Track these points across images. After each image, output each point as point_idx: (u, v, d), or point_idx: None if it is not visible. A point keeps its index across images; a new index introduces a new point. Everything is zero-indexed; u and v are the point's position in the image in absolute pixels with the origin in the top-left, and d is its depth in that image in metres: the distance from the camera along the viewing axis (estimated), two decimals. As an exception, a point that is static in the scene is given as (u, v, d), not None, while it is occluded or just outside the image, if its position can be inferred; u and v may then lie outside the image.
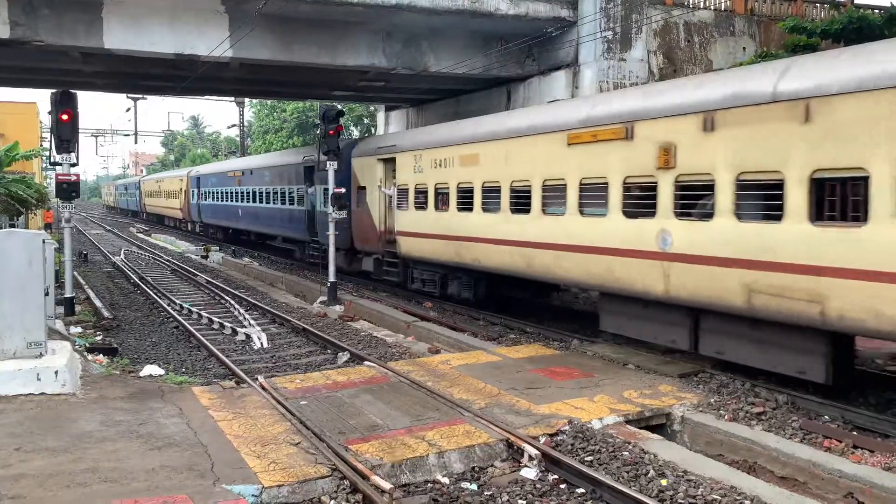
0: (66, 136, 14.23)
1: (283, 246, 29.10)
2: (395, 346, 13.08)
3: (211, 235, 38.57)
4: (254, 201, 29.15)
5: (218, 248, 33.57)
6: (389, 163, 17.78)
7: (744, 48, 21.86)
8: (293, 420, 7.94)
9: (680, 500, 6.22)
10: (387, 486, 6.38)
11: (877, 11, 20.38)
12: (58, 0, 17.31)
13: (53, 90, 14.67)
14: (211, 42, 18.26)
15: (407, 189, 16.65)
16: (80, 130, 14.78)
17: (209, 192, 37.16)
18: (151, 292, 20.18)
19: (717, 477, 6.58)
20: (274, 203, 26.73)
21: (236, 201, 31.80)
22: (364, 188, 18.92)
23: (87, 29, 17.74)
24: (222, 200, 34.38)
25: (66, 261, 14.94)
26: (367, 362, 11.08)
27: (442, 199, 15.48)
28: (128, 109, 51.69)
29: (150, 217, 60.98)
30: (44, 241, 9.47)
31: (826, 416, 8.42)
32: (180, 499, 5.91)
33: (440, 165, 15.45)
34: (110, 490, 6.12)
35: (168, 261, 29.11)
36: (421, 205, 16.07)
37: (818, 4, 23.08)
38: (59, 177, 14.75)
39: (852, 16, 18.11)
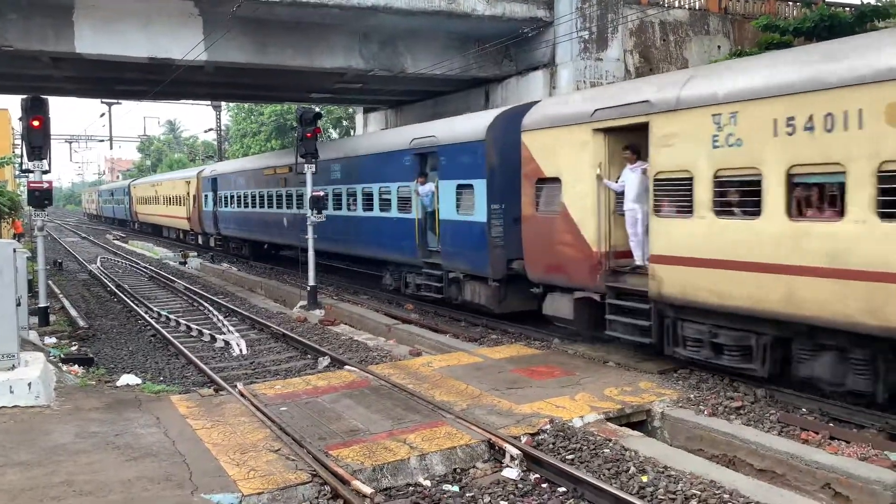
0: (37, 142, 13.99)
1: (356, 269, 22.40)
2: (376, 350, 13.03)
3: (233, 251, 31.06)
4: (298, 208, 21.16)
5: (196, 253, 33.23)
6: (623, 134, 10.51)
7: (718, 46, 22.09)
8: (273, 426, 7.87)
9: (661, 496, 6.24)
10: (368, 490, 6.34)
11: (847, 9, 20.68)
12: (27, 4, 17.05)
13: (24, 96, 14.44)
14: (185, 45, 18.08)
15: (687, 179, 9.16)
16: (52, 137, 14.52)
17: (232, 197, 29.04)
18: (129, 300, 19.93)
19: (697, 472, 6.62)
20: (352, 209, 18.89)
21: (280, 207, 23.69)
22: (554, 180, 11.45)
23: (57, 33, 17.49)
24: (255, 206, 26.26)
25: (39, 270, 14.70)
26: (347, 367, 11.02)
27: (811, 197, 8.01)
28: (102, 115, 50.02)
29: (143, 227, 52.78)
30: (14, 251, 9.31)
31: (803, 409, 8.50)
32: (158, 509, 5.83)
33: (819, 127, 7.60)
34: (88, 502, 6.02)
35: (145, 267, 28.79)
36: (725, 208, 8.78)
37: (790, 3, 23.37)
38: (32, 184, 14.51)
39: (823, 14, 18.37)
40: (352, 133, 48.06)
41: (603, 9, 20.22)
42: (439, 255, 14.98)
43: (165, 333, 15.00)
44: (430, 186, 15.24)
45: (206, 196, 32.73)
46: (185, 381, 11.67)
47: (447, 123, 15.96)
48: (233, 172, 30.07)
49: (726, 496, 6.12)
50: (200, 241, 35.44)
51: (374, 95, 27.33)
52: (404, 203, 16.13)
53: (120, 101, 44.13)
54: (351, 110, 45.56)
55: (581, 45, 19.96)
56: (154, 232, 49.28)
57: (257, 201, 26.05)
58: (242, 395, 9.25)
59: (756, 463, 7.22)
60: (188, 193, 36.09)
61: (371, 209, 17.66)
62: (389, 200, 16.75)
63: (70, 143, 70.33)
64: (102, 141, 62.34)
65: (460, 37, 20.85)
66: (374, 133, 28.23)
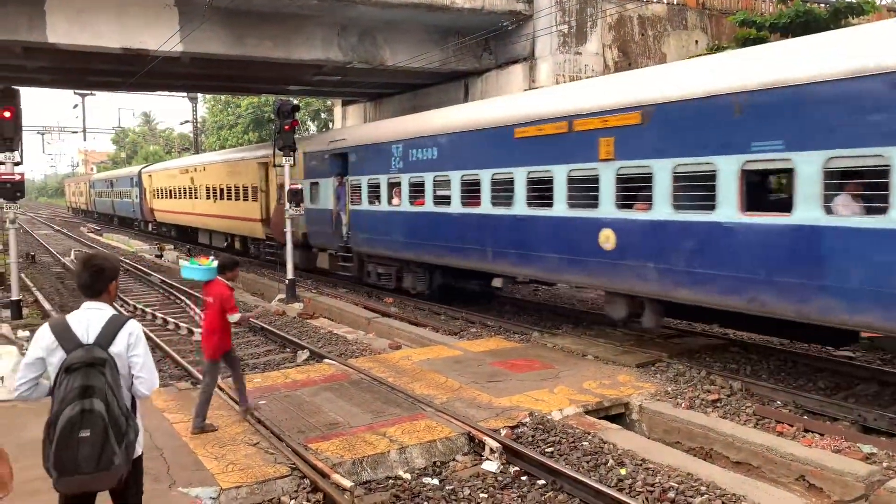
0: (8, 133, 13.75)
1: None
2: (356, 343, 12.99)
3: (378, 281, 17.38)
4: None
5: (172, 246, 32.84)
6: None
7: (696, 41, 22.27)
8: (251, 420, 7.81)
9: (639, 489, 6.29)
10: (347, 483, 6.32)
11: (822, 6, 20.93)
12: (-2, -8, 16.70)
13: (-6, 86, 14.17)
14: (160, 36, 17.82)
15: None
16: (24, 128, 14.29)
17: (395, 186, 15.79)
18: (104, 293, 19.63)
19: (674, 464, 6.69)
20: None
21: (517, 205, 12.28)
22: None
23: (29, 23, 17.14)
24: (473, 202, 13.41)
25: (11, 262, 14.46)
26: (327, 360, 10.97)
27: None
28: (75, 106, 49.27)
29: (161, 230, 39.89)
30: (-14, 243, 9.13)
31: (778, 402, 8.63)
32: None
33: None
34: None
35: (121, 261, 28.41)
36: None
37: (767, -1, 23.62)
38: (3, 176, 14.24)
39: (799, 10, 18.57)
40: (330, 126, 47.80)
41: (582, 3, 20.27)
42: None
43: (141, 327, 14.80)
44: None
45: (318, 185, 18.98)
46: (162, 374, 11.52)
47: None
48: (409, 139, 15.24)
49: (703, 488, 6.19)
50: (301, 264, 20.27)
51: (353, 88, 27.16)
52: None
53: (94, 92, 43.46)
54: (329, 103, 45.28)
55: (560, 38, 20.01)
56: (178, 235, 36.69)
57: (470, 194, 13.40)
58: (220, 388, 9.16)
59: (732, 455, 7.31)
60: (265, 181, 23.31)
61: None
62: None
63: (42, 134, 69.22)
64: (76, 132, 61.40)
65: (440, 30, 20.79)
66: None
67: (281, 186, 20.00)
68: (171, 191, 35.24)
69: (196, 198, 30.92)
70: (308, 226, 19.46)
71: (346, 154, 17.72)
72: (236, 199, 25.83)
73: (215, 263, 7.90)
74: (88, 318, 3.85)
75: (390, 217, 15.88)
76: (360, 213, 17.19)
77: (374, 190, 16.40)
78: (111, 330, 3.80)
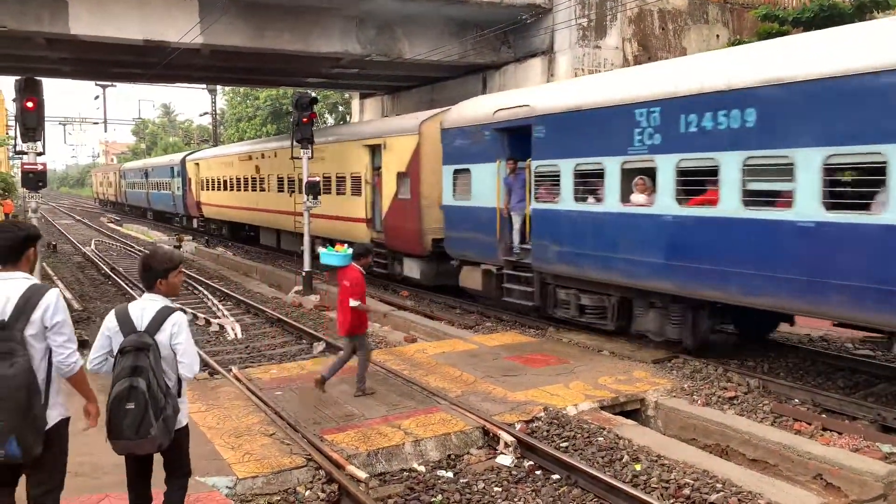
0: (31, 124, 13.87)
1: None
2: (372, 336, 13.01)
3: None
4: None
5: (191, 237, 33.11)
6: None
7: (717, 36, 22.01)
8: (268, 411, 7.87)
9: (654, 485, 6.28)
10: (362, 475, 6.36)
11: (846, 0, 20.62)
12: (21, -16, 16.87)
13: (18, 77, 14.30)
14: (181, 28, 17.91)
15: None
16: (46, 118, 14.41)
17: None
18: (123, 283, 19.88)
19: (689, 461, 6.66)
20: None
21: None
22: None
23: (51, 14, 17.29)
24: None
25: (33, 252, 14.63)
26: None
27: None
28: (96, 97, 49.98)
29: (210, 227, 34.43)
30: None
31: (796, 400, 8.55)
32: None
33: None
34: (80, 485, 6.02)
35: (140, 250, 28.68)
36: None
37: (790, -8, 23.29)
38: (26, 166, 14.39)
39: (823, 4, 18.29)
40: (347, 119, 47.87)
41: (602, -4, 20.12)
42: None
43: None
44: None
45: (469, 173, 13.88)
46: (180, 364, 11.65)
47: None
48: (680, 98, 9.47)
49: (719, 485, 6.16)
50: (402, 276, 17.09)
51: (371, 81, 27.16)
52: None
53: (115, 83, 43.85)
54: (347, 96, 45.34)
55: (580, 32, 19.86)
56: (231, 235, 31.60)
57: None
58: (237, 378, 9.25)
59: (749, 453, 7.26)
60: (371, 170, 18.26)
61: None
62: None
63: (64, 125, 70.01)
64: (97, 123, 62.01)
65: (458, 23, 20.71)
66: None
67: (401, 174, 16.26)
68: (225, 182, 29.81)
69: (263, 190, 25.66)
70: (447, 228, 14.49)
71: (529, 127, 11.98)
72: (326, 193, 19.24)
73: (350, 250, 8.74)
74: (143, 308, 4.45)
75: (621, 222, 10.34)
76: (552, 215, 11.66)
77: (587, 180, 11.01)
78: (159, 319, 4.37)
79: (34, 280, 4.16)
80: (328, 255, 9.34)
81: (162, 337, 4.33)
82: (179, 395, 4.45)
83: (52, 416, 4.16)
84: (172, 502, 4.71)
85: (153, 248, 6.66)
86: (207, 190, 32.69)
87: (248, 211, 27.52)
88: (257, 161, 26.30)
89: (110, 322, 4.42)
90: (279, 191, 24.00)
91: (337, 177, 19.81)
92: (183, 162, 36.31)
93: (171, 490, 4.69)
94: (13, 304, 3.94)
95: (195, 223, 36.21)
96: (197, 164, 34.25)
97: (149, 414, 4.13)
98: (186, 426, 4.63)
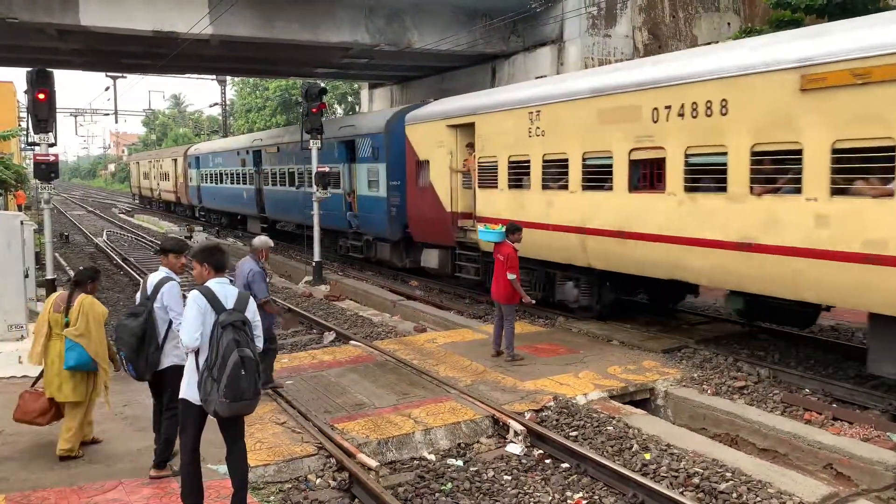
0: (43, 115, 13.95)
1: None
2: (381, 326, 13.08)
3: None
4: None
5: (202, 227, 33.25)
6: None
7: (728, 23, 21.81)
8: (279, 400, 7.93)
9: (663, 474, 6.29)
10: (373, 463, 6.41)
11: (860, -14, 20.33)
12: (32, -24, 16.94)
13: (29, 69, 14.38)
14: (190, 19, 17.93)
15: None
16: (57, 110, 14.48)
17: None
18: (135, 273, 20.01)
19: (699, 450, 6.67)
20: None
21: None
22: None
23: (62, 6, 17.36)
24: None
25: (46, 242, 14.75)
26: (352, 341, 11.08)
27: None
28: (107, 88, 49.41)
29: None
30: (22, 223, 9.35)
31: (807, 389, 8.53)
32: (165, 480, 5.90)
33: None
34: (96, 471, 6.11)
35: (151, 241, 28.84)
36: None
37: (802, -21, 23.00)
38: (38, 157, 14.48)
39: (836, -9, 18.06)
40: (357, 109, 47.83)
41: (612, -16, 19.98)
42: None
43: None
44: None
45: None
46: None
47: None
48: None
49: (728, 474, 6.16)
50: None
51: (380, 71, 27.13)
52: None
53: (125, 74, 43.86)
54: (356, 86, 45.28)
55: (590, 21, 19.75)
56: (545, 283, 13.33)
57: None
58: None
59: (758, 442, 7.26)
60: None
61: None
62: None
63: (75, 116, 70.14)
64: (107, 115, 61.98)
65: (467, 12, 20.64)
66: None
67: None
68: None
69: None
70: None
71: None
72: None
73: (503, 228, 9.72)
74: (224, 289, 5.07)
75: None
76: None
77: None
78: (244, 299, 5.09)
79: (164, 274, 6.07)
80: (486, 232, 10.19)
81: (249, 314, 5.04)
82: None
83: (165, 362, 5.88)
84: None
85: (213, 241, 7.79)
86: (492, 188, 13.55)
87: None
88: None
89: (200, 301, 4.94)
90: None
91: None
92: (395, 123, 16.80)
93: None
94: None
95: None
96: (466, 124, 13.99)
97: (258, 376, 4.90)
98: None
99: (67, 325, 6.25)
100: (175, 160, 40.98)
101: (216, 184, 33.00)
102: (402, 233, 16.66)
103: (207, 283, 5.09)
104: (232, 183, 30.28)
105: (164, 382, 5.87)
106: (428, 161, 14.98)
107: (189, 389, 4.98)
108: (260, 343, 5.09)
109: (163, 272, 6.07)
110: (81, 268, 7.11)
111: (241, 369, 4.73)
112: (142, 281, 5.91)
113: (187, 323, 4.91)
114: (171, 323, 5.85)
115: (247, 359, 4.78)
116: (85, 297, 6.39)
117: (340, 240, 20.24)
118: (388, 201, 16.95)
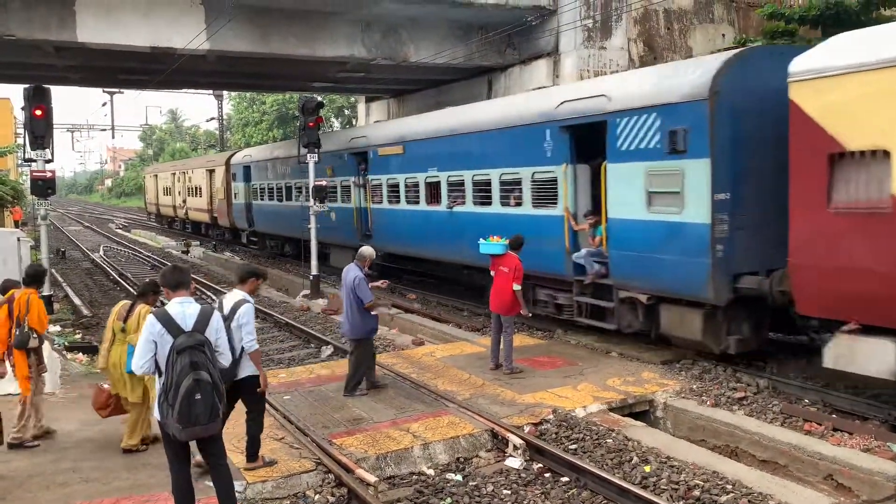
0: (40, 131, 13.98)
1: None
2: (379, 339, 13.01)
3: None
4: None
5: (199, 242, 33.23)
6: None
7: (723, 35, 21.95)
8: (277, 415, 7.89)
9: (663, 486, 6.26)
10: (372, 478, 6.37)
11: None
12: (29, -7, 16.98)
13: (26, 85, 14.41)
14: (187, 35, 18.00)
15: None
16: (54, 126, 14.51)
17: None
18: (132, 289, 19.96)
19: (699, 462, 6.64)
20: None
21: None
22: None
23: (59, 22, 17.41)
24: None
25: (43, 258, 14.72)
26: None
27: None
28: (104, 104, 49.52)
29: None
30: (18, 240, 9.33)
31: (806, 400, 8.51)
32: (162, 497, 5.86)
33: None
34: (91, 490, 6.06)
35: (148, 256, 28.82)
36: None
37: (796, -10, 23.19)
38: (35, 173, 14.49)
39: (829, 2, 18.20)
40: (353, 122, 47.98)
41: (607, -3, 20.10)
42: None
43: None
44: None
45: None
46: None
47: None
48: None
49: (729, 486, 6.13)
50: None
51: (377, 84, 27.20)
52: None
53: (122, 90, 44.05)
54: (353, 99, 45.43)
55: (585, 33, 19.85)
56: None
57: None
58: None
59: (759, 454, 7.23)
60: None
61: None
62: None
63: (72, 132, 70.28)
64: (104, 130, 62.15)
65: (463, 25, 20.74)
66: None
67: None
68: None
69: None
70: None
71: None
72: None
73: (506, 240, 9.84)
74: (184, 308, 5.00)
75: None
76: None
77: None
78: (204, 319, 5.01)
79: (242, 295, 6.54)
80: (487, 245, 10.08)
81: (210, 333, 5.02)
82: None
83: (241, 373, 6.21)
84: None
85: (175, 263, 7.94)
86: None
87: None
88: None
89: (153, 326, 4.90)
90: None
91: None
92: (742, 82, 9.22)
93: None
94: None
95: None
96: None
97: (215, 400, 4.86)
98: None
99: (124, 331, 6.92)
100: (210, 171, 32.51)
101: (280, 201, 24.18)
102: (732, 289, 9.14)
103: (168, 304, 5.08)
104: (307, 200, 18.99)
105: (243, 391, 6.28)
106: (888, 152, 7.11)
107: (157, 410, 4.99)
108: (225, 361, 5.18)
109: (238, 294, 6.54)
110: (147, 280, 7.98)
111: (196, 394, 4.74)
112: (217, 300, 6.57)
113: (136, 349, 4.95)
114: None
115: (202, 381, 4.77)
116: (144, 307, 7.00)
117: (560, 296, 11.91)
118: (712, 231, 9.00)
